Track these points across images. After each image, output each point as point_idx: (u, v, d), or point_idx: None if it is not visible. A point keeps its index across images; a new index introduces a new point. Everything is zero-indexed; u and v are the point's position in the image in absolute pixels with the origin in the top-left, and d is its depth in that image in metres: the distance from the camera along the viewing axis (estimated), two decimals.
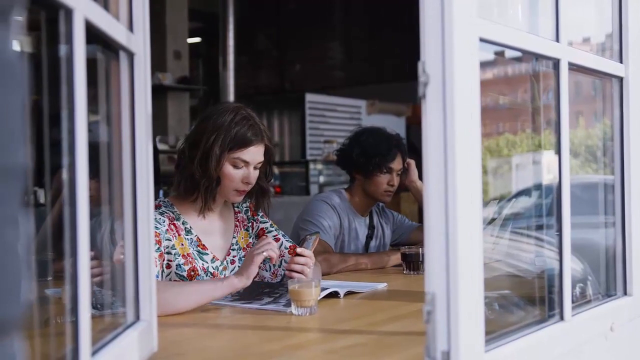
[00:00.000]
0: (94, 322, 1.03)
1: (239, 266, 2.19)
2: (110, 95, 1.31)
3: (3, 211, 0.48)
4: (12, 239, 0.49)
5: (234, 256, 2.23)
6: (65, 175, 0.97)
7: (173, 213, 2.13)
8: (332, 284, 2.15)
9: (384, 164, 2.88)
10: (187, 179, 2.11)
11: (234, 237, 2.25)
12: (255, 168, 2.13)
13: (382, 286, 2.27)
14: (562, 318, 1.46)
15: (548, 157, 1.77)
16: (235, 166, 2.09)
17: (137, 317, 1.32)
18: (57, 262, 1.24)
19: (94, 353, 1.04)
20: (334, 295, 2.04)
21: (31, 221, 0.53)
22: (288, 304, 1.84)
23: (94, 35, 1.07)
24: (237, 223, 2.28)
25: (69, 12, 0.96)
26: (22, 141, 0.50)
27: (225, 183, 2.11)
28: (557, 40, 1.47)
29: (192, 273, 2.07)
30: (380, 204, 3.09)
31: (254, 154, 2.10)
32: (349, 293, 2.10)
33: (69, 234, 0.97)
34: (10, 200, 0.49)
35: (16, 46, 0.53)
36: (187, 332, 1.68)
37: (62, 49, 0.98)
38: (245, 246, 2.27)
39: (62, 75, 0.98)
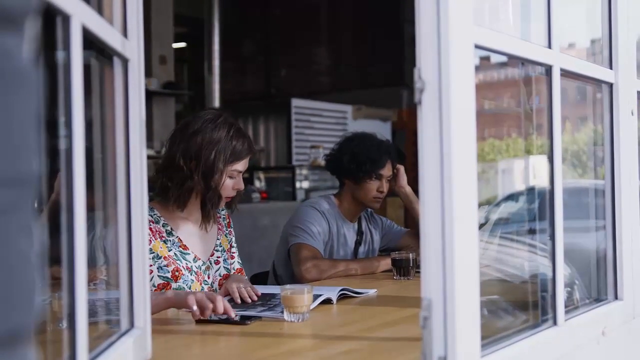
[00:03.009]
0: (89, 329, 1.02)
1: (223, 267, 2.29)
2: (104, 100, 1.30)
3: (18, 220, 0.48)
4: (26, 247, 0.49)
5: (217, 257, 2.29)
6: (61, 181, 0.97)
7: (152, 216, 2.17)
8: (324, 290, 2.15)
9: (374, 170, 2.87)
10: (184, 191, 2.14)
11: (218, 239, 2.32)
12: (242, 175, 2.25)
13: (372, 292, 2.27)
14: (555, 323, 1.47)
15: (535, 162, 1.78)
16: (231, 177, 2.20)
17: (132, 325, 1.32)
18: (47, 268, 1.23)
19: None
20: (326, 301, 2.04)
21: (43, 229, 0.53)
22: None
23: (88, 41, 1.06)
24: (220, 226, 2.35)
25: (66, 19, 0.95)
26: (35, 149, 0.50)
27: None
28: (549, 46, 1.47)
29: (177, 273, 2.13)
30: (369, 209, 3.09)
31: (246, 163, 2.24)
32: (342, 296, 2.10)
33: (67, 241, 0.96)
34: (24, 208, 0.49)
35: (28, 54, 0.53)
36: (181, 339, 1.67)
37: (59, 55, 0.97)
38: (226, 249, 2.35)
39: (58, 80, 0.97)
